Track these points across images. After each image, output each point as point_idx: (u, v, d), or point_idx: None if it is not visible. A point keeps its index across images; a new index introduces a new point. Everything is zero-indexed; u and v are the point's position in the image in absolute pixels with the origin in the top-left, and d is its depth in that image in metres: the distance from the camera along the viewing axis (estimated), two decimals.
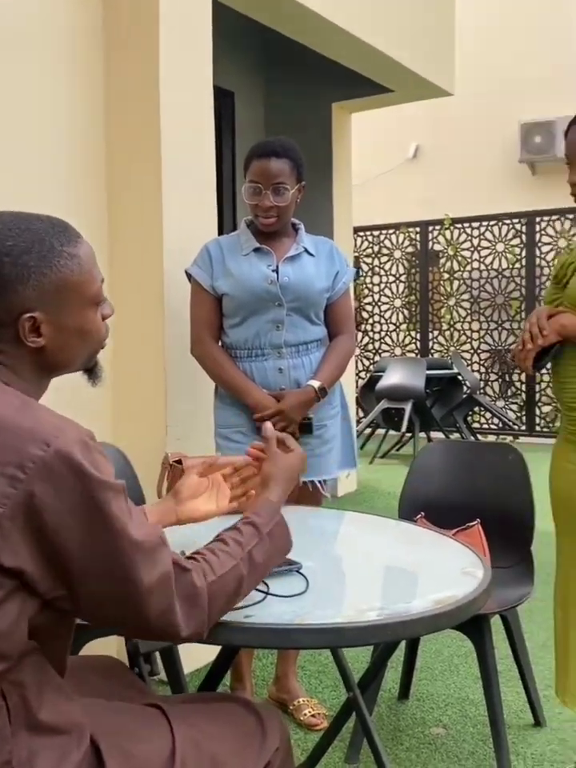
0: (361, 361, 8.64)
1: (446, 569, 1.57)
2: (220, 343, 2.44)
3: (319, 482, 2.39)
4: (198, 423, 2.68)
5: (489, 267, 8.09)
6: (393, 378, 6.95)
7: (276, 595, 1.34)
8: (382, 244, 8.53)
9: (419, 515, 2.29)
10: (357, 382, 8.14)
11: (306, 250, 2.41)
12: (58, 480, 0.99)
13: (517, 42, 9.28)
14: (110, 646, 2.30)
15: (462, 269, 8.22)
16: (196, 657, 2.52)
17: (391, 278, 8.55)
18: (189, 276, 2.43)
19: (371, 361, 8.62)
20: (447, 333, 8.34)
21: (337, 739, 2.28)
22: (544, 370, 2.00)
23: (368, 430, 7.43)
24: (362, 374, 8.50)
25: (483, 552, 2.17)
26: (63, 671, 1.16)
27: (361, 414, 7.77)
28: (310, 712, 2.43)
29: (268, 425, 1.50)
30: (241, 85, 5.23)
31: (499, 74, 9.30)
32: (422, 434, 7.07)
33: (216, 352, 2.40)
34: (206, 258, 2.40)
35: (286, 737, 1.35)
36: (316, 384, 2.34)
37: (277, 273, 2.34)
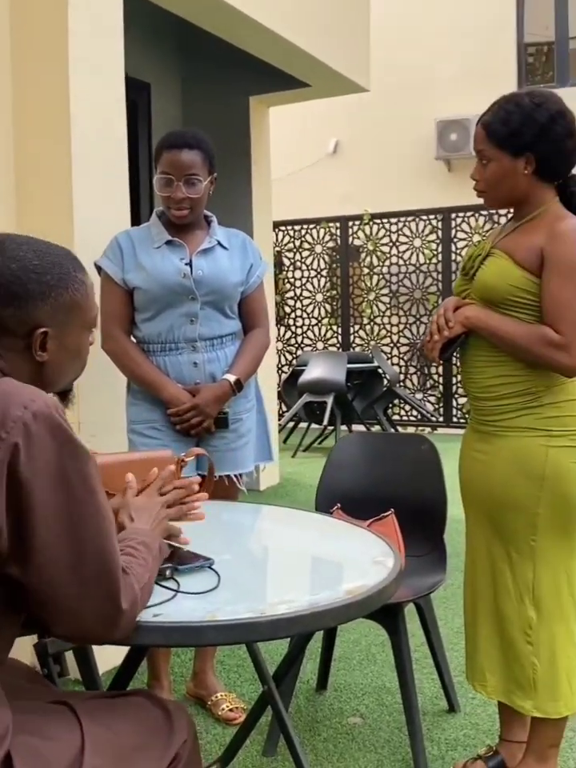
0: (283, 355, 8.66)
1: (357, 559, 1.58)
2: (132, 338, 2.39)
3: (235, 476, 2.38)
4: (110, 420, 2.64)
5: (407, 262, 8.21)
6: (314, 371, 6.99)
7: (186, 592, 1.32)
8: (303, 239, 8.56)
9: (336, 507, 2.31)
10: (279, 376, 8.16)
11: (219, 243, 2.37)
12: (37, 438, 1.05)
13: (433, 40, 9.43)
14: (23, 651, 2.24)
15: (381, 264, 8.32)
16: (110, 655, 2.48)
17: (312, 273, 8.60)
18: (99, 269, 2.36)
19: (294, 355, 8.66)
20: (368, 327, 8.44)
21: (256, 732, 2.29)
22: (454, 361, 2.06)
23: (291, 424, 7.46)
24: (285, 368, 8.52)
25: (397, 541, 2.20)
26: (4, 661, 1.14)
27: (284, 408, 7.79)
28: (227, 706, 2.43)
29: (129, 475, 1.49)
30: (157, 77, 5.16)
31: (416, 71, 9.44)
32: (344, 427, 7.14)
33: (128, 346, 2.36)
34: (116, 249, 2.34)
35: (193, 730, 1.35)
36: (232, 378, 2.32)
37: (190, 266, 2.30)
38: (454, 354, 1.99)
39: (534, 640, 1.91)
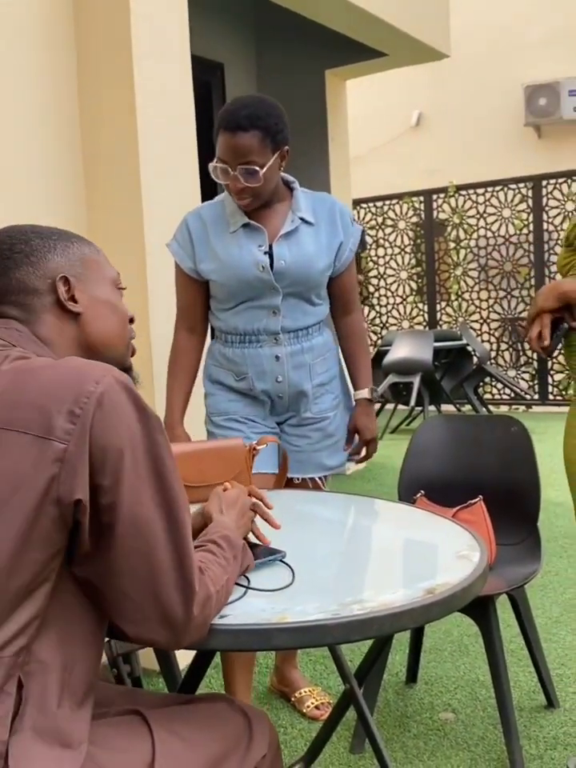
0: (368, 335, 8.52)
1: (439, 553, 1.47)
2: (211, 327, 2.22)
3: (320, 477, 2.21)
4: (189, 408, 2.58)
5: (496, 234, 7.93)
6: (400, 351, 6.83)
7: (257, 589, 1.24)
8: (385, 215, 8.38)
9: (419, 494, 2.19)
10: None
11: (303, 220, 2.08)
12: (112, 411, 1.00)
13: (518, 3, 9.04)
14: None
15: (468, 237, 8.06)
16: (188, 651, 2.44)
17: (396, 250, 8.41)
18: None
19: (378, 335, 8.51)
20: (455, 303, 8.20)
21: (343, 727, 2.21)
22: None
23: (377, 405, 7.33)
24: (370, 349, 8.38)
25: (486, 530, 2.08)
26: (97, 675, 1.08)
27: None
28: (313, 703, 2.35)
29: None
30: (231, 56, 5.09)
31: (501, 35, 9.08)
32: (432, 408, 6.96)
33: (179, 355, 2.19)
34: (185, 234, 2.12)
35: (275, 742, 1.26)
36: (365, 394, 2.25)
37: (270, 255, 2.05)
38: (560, 341, 1.85)
39: None
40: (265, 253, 2.05)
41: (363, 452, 2.24)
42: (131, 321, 1.29)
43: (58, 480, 0.96)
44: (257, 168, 1.95)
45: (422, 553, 1.49)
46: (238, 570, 1.23)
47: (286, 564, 1.34)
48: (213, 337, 2.23)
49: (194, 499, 1.49)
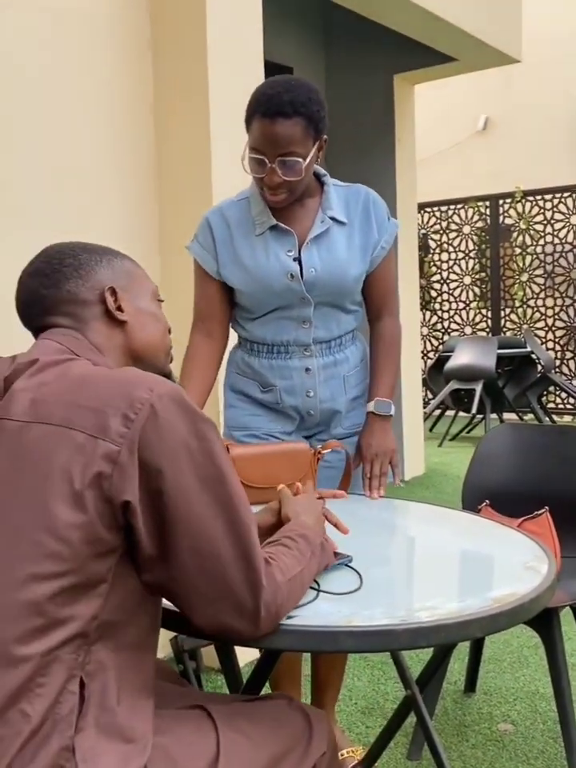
0: (429, 341, 8.46)
1: (507, 563, 1.46)
2: (238, 336, 2.01)
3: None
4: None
5: (563, 241, 7.79)
6: (462, 357, 6.76)
7: (328, 592, 1.26)
8: (450, 219, 8.31)
9: (484, 504, 2.17)
10: (425, 362, 7.98)
11: (335, 219, 1.87)
12: (166, 419, 1.03)
13: None
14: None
15: (534, 243, 7.94)
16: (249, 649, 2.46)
17: (460, 255, 8.33)
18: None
19: (440, 340, 8.43)
20: (520, 310, 8.09)
21: (400, 734, 2.21)
22: None
23: (437, 412, 7.27)
24: (431, 355, 8.32)
25: (552, 542, 2.05)
26: (154, 669, 1.12)
27: (429, 396, 7.61)
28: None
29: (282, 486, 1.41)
30: (300, 60, 5.11)
31: (570, 41, 8.92)
32: (494, 416, 6.88)
33: (193, 362, 1.95)
34: (207, 234, 1.91)
35: (333, 741, 1.28)
36: (370, 407, 1.94)
37: (299, 262, 1.84)
38: None
39: None
40: (294, 259, 1.84)
41: (370, 471, 1.91)
42: (168, 331, 1.35)
43: (108, 479, 1.00)
44: (299, 159, 1.73)
45: (489, 562, 1.48)
46: (317, 565, 1.25)
47: (354, 569, 1.35)
48: (237, 344, 2.04)
49: (257, 500, 1.51)
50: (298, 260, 1.84)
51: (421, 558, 1.54)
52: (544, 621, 1.98)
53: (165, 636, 1.24)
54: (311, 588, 1.26)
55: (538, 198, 7.91)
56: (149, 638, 1.11)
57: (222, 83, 2.66)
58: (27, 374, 1.10)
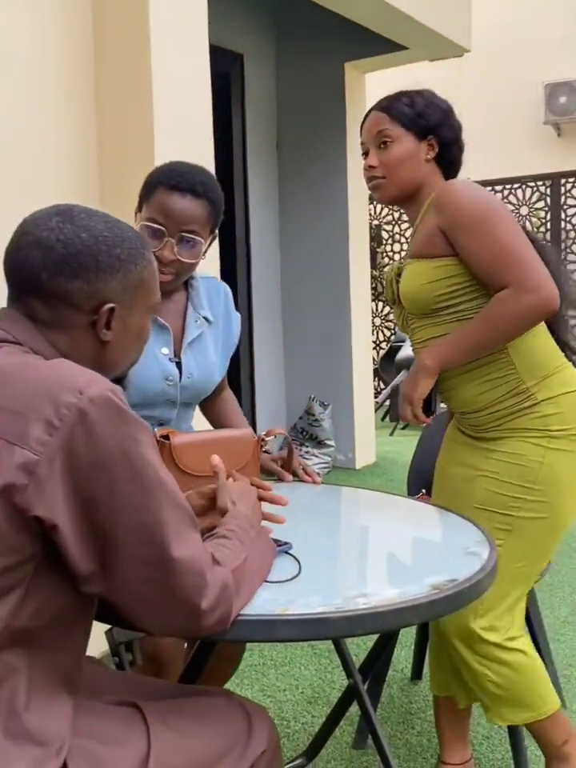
0: (381, 331, 8.48)
1: (448, 549, 1.46)
2: None
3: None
4: None
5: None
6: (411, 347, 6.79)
7: (267, 581, 1.23)
8: (401, 210, 8.32)
9: (421, 493, 2.17)
10: (377, 352, 8.01)
11: (206, 319, 1.84)
12: (94, 425, 0.96)
13: (539, 1, 8.96)
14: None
15: None
16: None
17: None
18: None
19: (391, 331, 8.46)
20: None
21: (346, 722, 2.20)
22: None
23: (388, 402, 7.30)
24: (383, 345, 8.35)
25: None
26: (78, 669, 1.07)
27: (381, 385, 7.63)
28: None
29: (215, 457, 1.36)
30: (251, 46, 5.06)
31: (521, 33, 8.99)
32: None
33: None
34: None
35: (275, 738, 1.24)
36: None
37: (179, 367, 1.77)
38: (434, 399, 1.83)
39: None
40: (172, 361, 1.76)
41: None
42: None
43: (21, 491, 0.94)
44: (200, 240, 1.70)
45: (430, 548, 1.47)
46: (266, 547, 1.23)
47: (292, 556, 1.33)
48: None
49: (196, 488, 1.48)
50: (178, 364, 1.77)
51: (362, 544, 1.52)
52: None
53: (99, 629, 1.21)
54: None
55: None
56: (71, 639, 1.06)
57: (165, 67, 2.60)
58: None
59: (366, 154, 1.82)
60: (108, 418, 0.98)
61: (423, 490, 2.15)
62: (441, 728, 1.96)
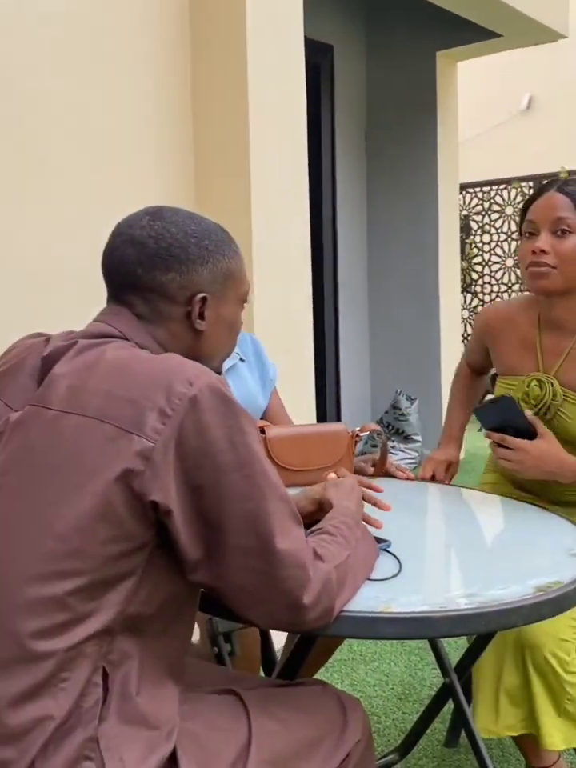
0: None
1: (551, 550, 1.42)
2: None
3: None
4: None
5: None
6: None
7: (367, 578, 1.23)
8: (492, 200, 8.16)
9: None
10: (465, 346, 7.88)
11: (238, 355, 1.92)
12: (203, 414, 0.99)
13: None
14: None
15: None
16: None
17: (502, 236, 8.18)
18: None
19: None
20: None
21: (438, 721, 2.18)
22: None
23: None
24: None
25: None
26: (183, 657, 1.11)
27: None
28: None
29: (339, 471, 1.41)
30: (341, 37, 5.04)
31: None
32: None
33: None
34: None
35: (368, 729, 1.26)
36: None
37: None
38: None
39: None
40: None
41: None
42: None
43: (139, 476, 0.97)
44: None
45: (532, 548, 1.44)
46: (369, 545, 1.23)
47: (392, 554, 1.33)
48: None
49: (293, 483, 1.49)
50: None
51: (462, 543, 1.50)
52: None
53: (200, 617, 1.23)
54: None
55: None
56: (178, 626, 1.09)
57: (260, 58, 2.61)
58: (67, 357, 1.07)
59: (532, 234, 1.68)
60: (216, 407, 1.01)
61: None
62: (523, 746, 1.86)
